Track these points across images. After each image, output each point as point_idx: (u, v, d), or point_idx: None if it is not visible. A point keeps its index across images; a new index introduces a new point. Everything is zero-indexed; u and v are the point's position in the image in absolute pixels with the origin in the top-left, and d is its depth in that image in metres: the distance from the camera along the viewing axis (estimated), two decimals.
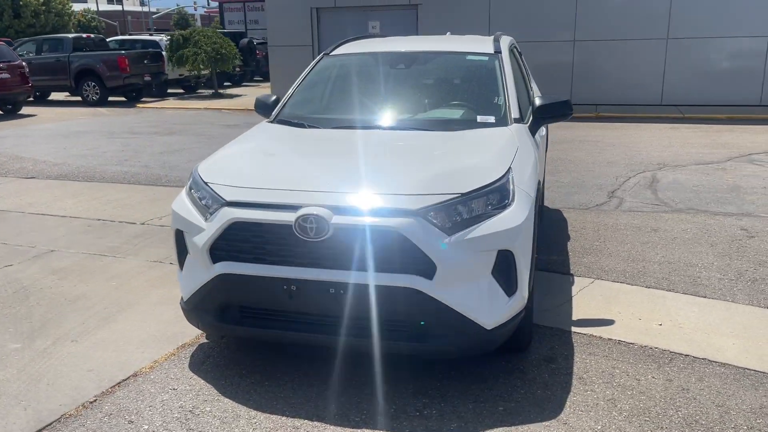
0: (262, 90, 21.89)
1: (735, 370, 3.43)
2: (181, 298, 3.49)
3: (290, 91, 4.57)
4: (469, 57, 4.55)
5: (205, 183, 3.36)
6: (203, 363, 3.54)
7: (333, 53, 4.83)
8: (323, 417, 3.01)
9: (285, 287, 3.05)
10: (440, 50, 4.66)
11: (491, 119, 3.99)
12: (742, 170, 8.42)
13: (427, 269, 2.92)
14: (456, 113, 4.21)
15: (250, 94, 20.66)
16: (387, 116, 4.20)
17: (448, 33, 6.25)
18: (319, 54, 4.54)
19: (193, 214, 3.33)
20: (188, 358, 3.59)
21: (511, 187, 3.18)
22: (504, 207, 3.08)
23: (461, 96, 4.37)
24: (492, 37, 4.95)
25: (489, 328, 3.03)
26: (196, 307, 3.35)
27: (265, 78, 26.40)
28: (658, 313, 4.14)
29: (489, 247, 2.98)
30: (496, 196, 3.10)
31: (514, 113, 4.03)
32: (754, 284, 4.58)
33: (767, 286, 4.54)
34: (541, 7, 14.94)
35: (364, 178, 3.18)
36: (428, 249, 2.88)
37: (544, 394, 3.18)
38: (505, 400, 3.14)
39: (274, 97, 4.61)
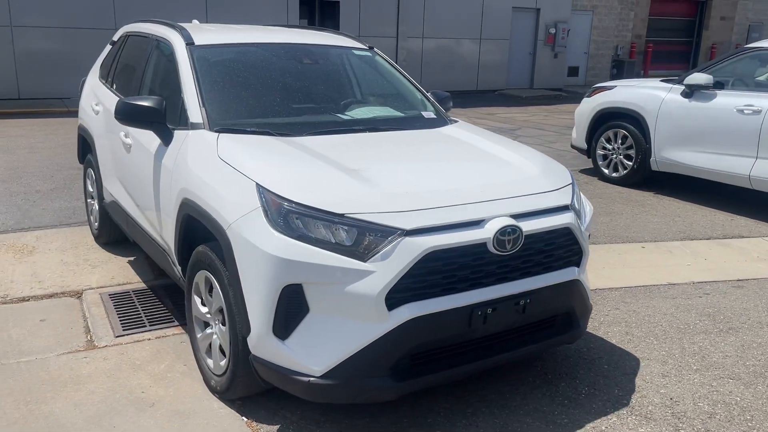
0: None
1: (674, 286, 4.67)
2: (303, 376, 2.60)
3: (192, 93, 3.52)
4: (356, 52, 4.38)
5: (341, 215, 2.58)
6: None
7: (199, 43, 3.87)
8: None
9: (480, 312, 2.73)
10: (328, 44, 4.29)
11: (432, 115, 4.09)
12: None
13: (579, 259, 3.11)
14: (388, 110, 4.10)
15: None
16: (345, 117, 3.77)
17: (195, 21, 5.53)
18: None
19: (332, 258, 2.53)
20: None
21: None
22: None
23: (378, 92, 4.25)
24: (333, 32, 4.79)
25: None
26: (354, 376, 2.58)
27: None
28: None
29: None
30: None
31: (440, 108, 4.23)
32: None
33: None
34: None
35: (498, 182, 3.02)
36: (581, 239, 3.08)
37: (624, 350, 3.72)
38: (606, 363, 3.59)
39: (154, 99, 3.47)
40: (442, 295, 2.65)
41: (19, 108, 12.27)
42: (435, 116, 4.08)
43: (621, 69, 21.96)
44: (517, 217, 2.82)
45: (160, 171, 3.52)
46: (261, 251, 2.58)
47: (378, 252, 2.55)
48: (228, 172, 2.93)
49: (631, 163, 7.65)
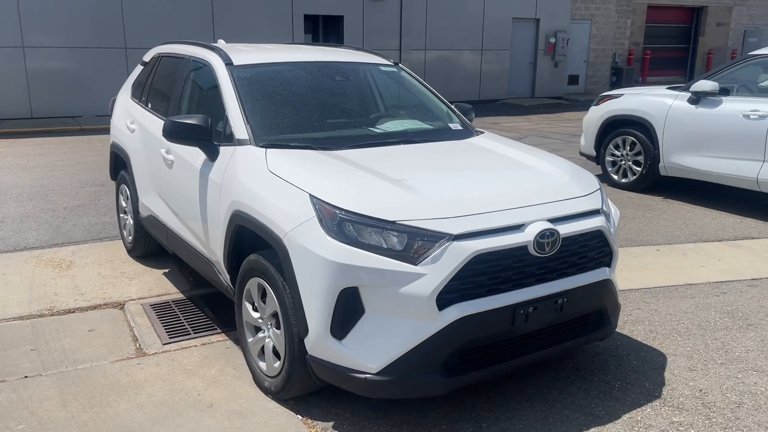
0: None
1: (692, 286, 4.85)
2: (359, 373, 2.78)
3: (236, 111, 3.72)
4: (383, 68, 4.59)
5: (392, 222, 2.77)
6: None
7: (238, 63, 4.07)
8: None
9: (522, 311, 2.91)
10: (356, 61, 4.50)
11: (459, 126, 4.29)
12: None
13: (609, 259, 3.30)
14: (418, 123, 4.29)
15: None
16: (379, 131, 3.97)
17: (221, 41, 5.75)
18: None
19: (386, 262, 2.73)
20: None
21: None
22: None
23: (406, 105, 4.45)
24: (359, 49, 5.00)
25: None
26: (408, 372, 2.76)
27: None
28: None
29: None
30: None
31: (465, 119, 4.44)
32: None
33: None
34: None
35: (533, 189, 3.20)
36: (611, 241, 3.27)
37: (651, 347, 3.90)
38: (635, 359, 3.77)
39: (201, 118, 3.67)
40: (488, 296, 2.84)
41: (33, 127, 12.47)
42: (462, 127, 4.28)
43: (620, 76, 22.25)
44: (554, 221, 3.01)
45: (207, 185, 3.71)
46: (319, 257, 2.77)
47: (428, 256, 2.73)
48: (280, 184, 3.12)
49: (640, 169, 7.85)
